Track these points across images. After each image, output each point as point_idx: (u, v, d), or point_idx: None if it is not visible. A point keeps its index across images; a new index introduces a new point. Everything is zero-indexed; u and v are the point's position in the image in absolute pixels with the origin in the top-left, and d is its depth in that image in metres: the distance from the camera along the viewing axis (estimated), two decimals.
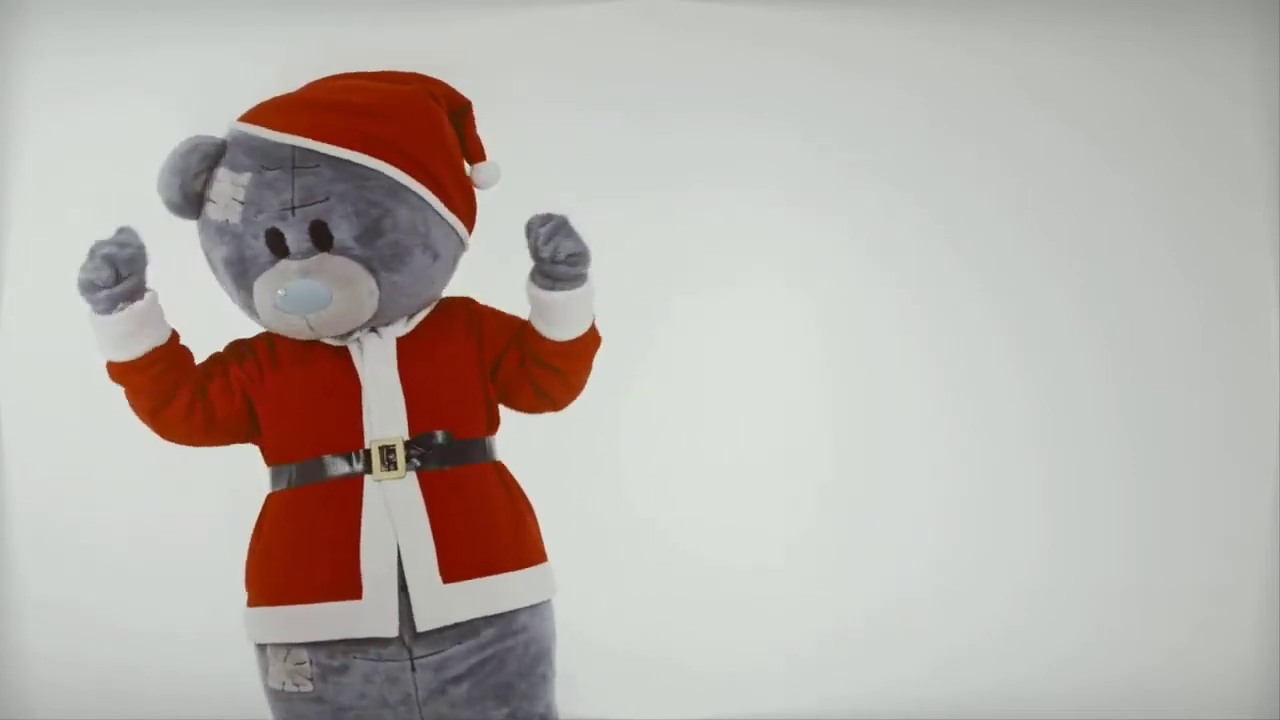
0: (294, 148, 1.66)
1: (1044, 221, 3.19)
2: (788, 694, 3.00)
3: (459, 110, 1.78)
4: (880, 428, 3.17)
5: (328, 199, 1.64)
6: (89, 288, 1.65)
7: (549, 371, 1.75)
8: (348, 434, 1.68)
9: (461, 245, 1.77)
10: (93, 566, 3.00)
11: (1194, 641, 3.05)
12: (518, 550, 1.73)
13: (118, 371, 1.74)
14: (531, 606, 1.73)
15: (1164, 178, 3.18)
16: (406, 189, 1.67)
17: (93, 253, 1.64)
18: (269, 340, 1.76)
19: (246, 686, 2.85)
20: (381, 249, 1.65)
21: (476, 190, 1.80)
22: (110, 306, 1.67)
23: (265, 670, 1.74)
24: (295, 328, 1.68)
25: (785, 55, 3.14)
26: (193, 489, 3.00)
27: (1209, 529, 3.13)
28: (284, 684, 1.72)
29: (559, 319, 1.71)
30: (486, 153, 1.80)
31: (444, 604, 1.66)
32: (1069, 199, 3.19)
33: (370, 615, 1.66)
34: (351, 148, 1.66)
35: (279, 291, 1.64)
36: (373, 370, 1.69)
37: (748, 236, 3.14)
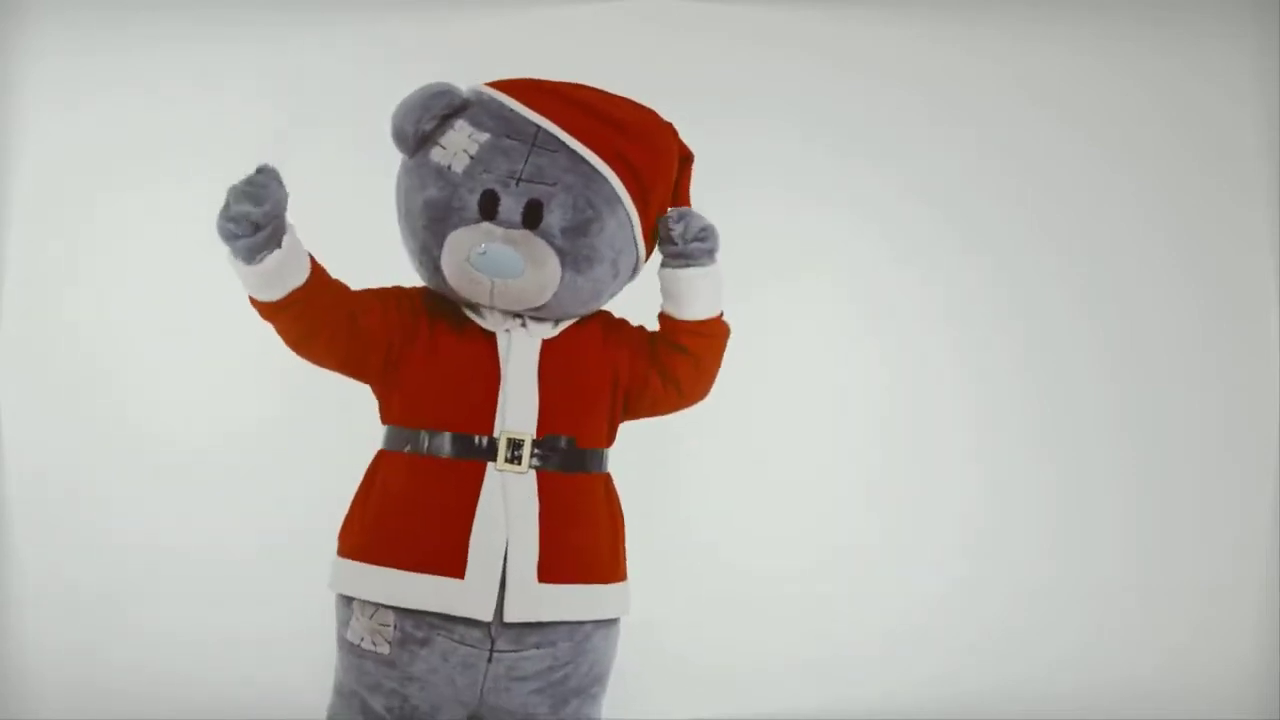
0: (540, 128, 1.72)
1: (1044, 221, 3.19)
2: (786, 694, 3.00)
3: (685, 158, 1.88)
4: (880, 427, 3.17)
5: (554, 184, 1.70)
6: (228, 236, 1.66)
7: (678, 353, 1.83)
8: (480, 419, 1.72)
9: (630, 275, 1.84)
10: (93, 566, 3.00)
11: (1194, 641, 3.05)
12: (609, 565, 1.79)
13: (259, 308, 1.74)
14: (606, 625, 1.79)
15: (1164, 178, 3.18)
16: (622, 205, 1.74)
17: (229, 202, 1.64)
18: (430, 306, 1.79)
19: (249, 684, 2.86)
20: (580, 247, 1.71)
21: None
22: (250, 256, 1.67)
23: (345, 621, 1.77)
24: (474, 287, 1.72)
25: (785, 55, 3.15)
26: (193, 488, 3.01)
27: (1209, 529, 3.13)
28: (362, 639, 1.74)
29: (692, 297, 1.79)
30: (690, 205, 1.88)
31: (534, 601, 1.71)
32: (1069, 199, 3.19)
33: (469, 596, 1.69)
34: (594, 149, 1.73)
35: (479, 248, 1.69)
36: (516, 364, 1.74)
37: (747, 237, 3.13)
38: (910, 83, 3.17)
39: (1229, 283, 3.17)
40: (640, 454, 2.98)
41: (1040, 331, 3.18)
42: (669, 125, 1.86)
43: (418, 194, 1.74)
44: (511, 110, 1.74)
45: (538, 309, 1.74)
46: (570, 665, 1.76)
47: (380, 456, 1.79)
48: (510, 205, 1.69)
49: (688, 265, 1.78)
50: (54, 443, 3.05)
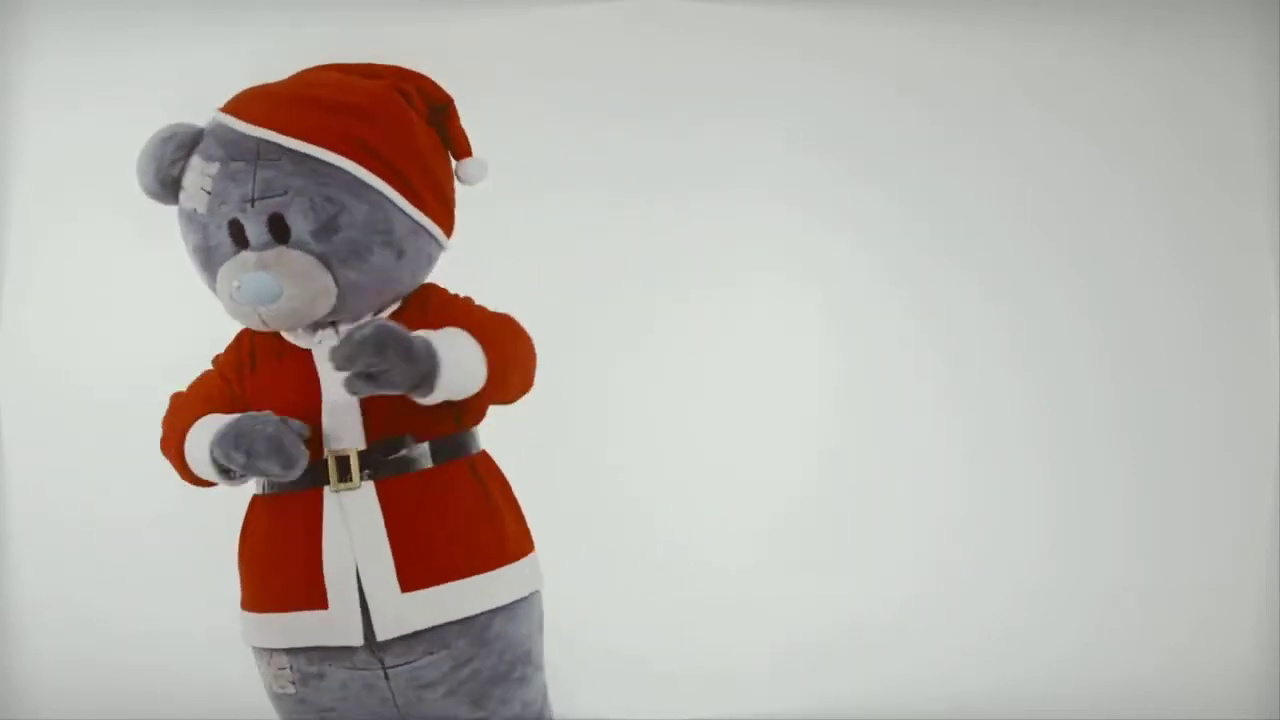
0: (259, 140, 1.66)
1: (1044, 221, 3.19)
2: (786, 694, 3.00)
3: (439, 106, 1.76)
4: (879, 428, 3.17)
5: (286, 193, 1.64)
6: (222, 473, 1.68)
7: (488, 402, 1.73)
8: (310, 443, 1.66)
9: (435, 243, 1.75)
10: (93, 567, 3.00)
11: (1194, 642, 3.05)
12: (487, 551, 1.70)
13: (186, 477, 1.79)
14: (507, 609, 1.70)
15: (1164, 178, 3.18)
16: (367, 185, 1.65)
17: (257, 452, 1.60)
18: (252, 341, 1.77)
19: (247, 688, 2.86)
20: (338, 245, 1.64)
21: (464, 186, 1.78)
22: (230, 481, 1.71)
23: (260, 671, 1.78)
24: (250, 319, 1.69)
25: (785, 55, 3.14)
26: (193, 489, 3.00)
27: (1209, 529, 3.13)
28: (271, 686, 1.75)
29: (461, 393, 1.63)
30: (472, 149, 1.77)
31: (403, 613, 1.65)
32: (1069, 199, 3.19)
33: (337, 625, 1.66)
34: (312, 142, 1.65)
35: (234, 283, 1.65)
36: (330, 376, 1.66)
37: (747, 237, 3.14)
38: (909, 83, 3.17)
39: (1229, 283, 3.17)
40: (619, 456, 3.02)
41: (1039, 331, 3.18)
42: (397, 80, 1.74)
43: (185, 241, 1.72)
44: (232, 130, 1.68)
45: (340, 314, 1.68)
46: (476, 659, 1.70)
47: (249, 501, 1.78)
48: (255, 229, 1.64)
49: (416, 394, 1.59)
50: (53, 443, 3.05)
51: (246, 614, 1.75)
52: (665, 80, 3.12)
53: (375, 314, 1.72)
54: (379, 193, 1.66)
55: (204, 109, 3.04)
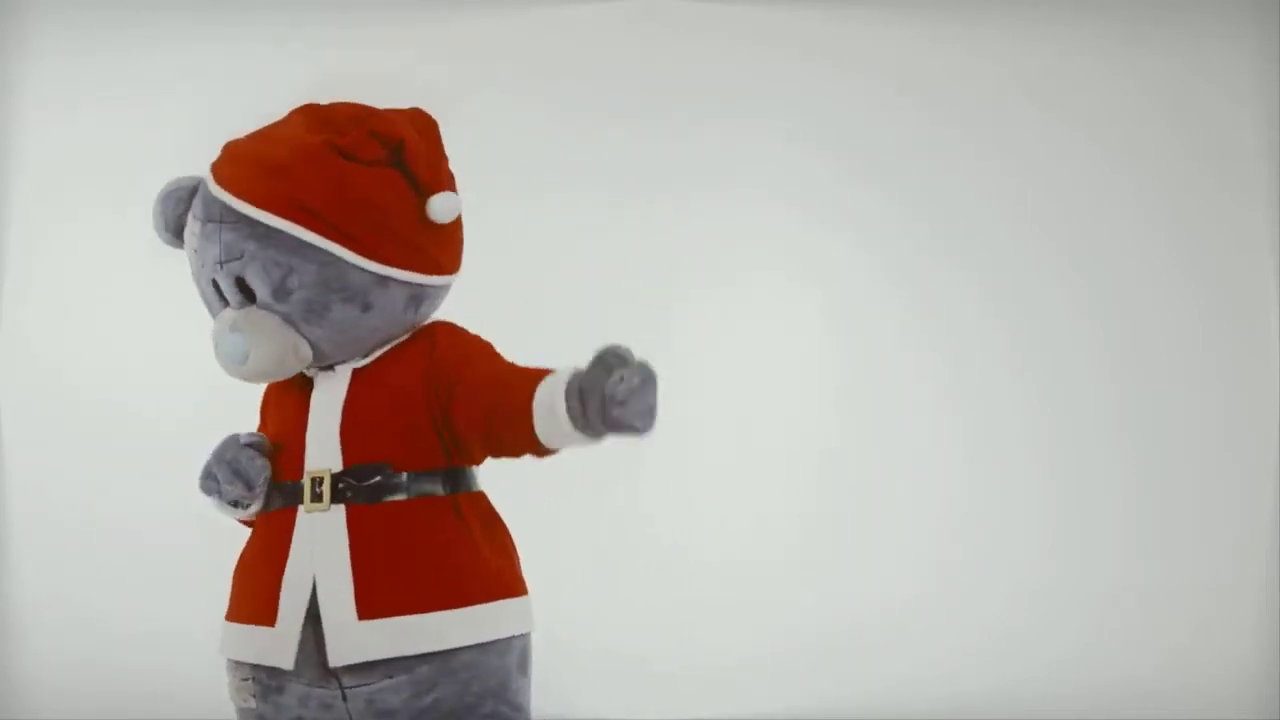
0: (222, 203, 1.67)
1: (1044, 222, 3.19)
2: (786, 694, 3.00)
3: (394, 146, 1.69)
4: (880, 427, 3.17)
5: (243, 256, 1.65)
6: (217, 501, 1.74)
7: (499, 447, 1.67)
8: (292, 464, 1.67)
9: (417, 286, 1.70)
10: (92, 567, 3.00)
11: (1194, 642, 3.05)
12: (457, 588, 1.64)
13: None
14: (481, 644, 1.65)
15: (1164, 178, 3.18)
16: (312, 246, 1.63)
17: (217, 480, 1.71)
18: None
19: None
20: (295, 305, 1.64)
21: (440, 220, 1.71)
22: (235, 513, 1.74)
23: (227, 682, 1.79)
24: (233, 374, 1.72)
25: (785, 55, 3.14)
26: (193, 489, 3.00)
27: (1209, 529, 3.13)
28: (234, 698, 1.75)
29: (563, 442, 1.60)
30: (445, 182, 1.71)
31: (357, 641, 1.62)
32: (1069, 199, 3.19)
33: (277, 644, 1.65)
34: (257, 205, 1.64)
35: (214, 342, 1.69)
36: (318, 402, 1.68)
37: (747, 237, 3.14)
38: (909, 83, 3.17)
39: (1229, 283, 3.17)
40: (620, 458, 3.01)
41: (1040, 331, 3.18)
42: (351, 128, 1.70)
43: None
44: (207, 190, 1.69)
45: (324, 360, 1.68)
46: (439, 688, 1.63)
47: None
48: (228, 288, 1.66)
49: (590, 436, 1.56)
50: (53, 443, 3.05)
51: (223, 624, 1.76)
52: (665, 80, 3.12)
53: (364, 356, 1.70)
54: (325, 251, 1.64)
55: (204, 110, 3.05)
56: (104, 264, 3.07)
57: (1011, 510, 3.15)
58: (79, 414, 3.05)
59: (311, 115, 1.77)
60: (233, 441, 1.70)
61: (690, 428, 3.10)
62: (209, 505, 1.75)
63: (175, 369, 3.04)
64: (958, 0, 3.16)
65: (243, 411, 3.08)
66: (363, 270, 1.65)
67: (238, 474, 1.68)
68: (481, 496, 1.72)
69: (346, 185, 1.66)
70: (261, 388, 1.80)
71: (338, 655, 1.62)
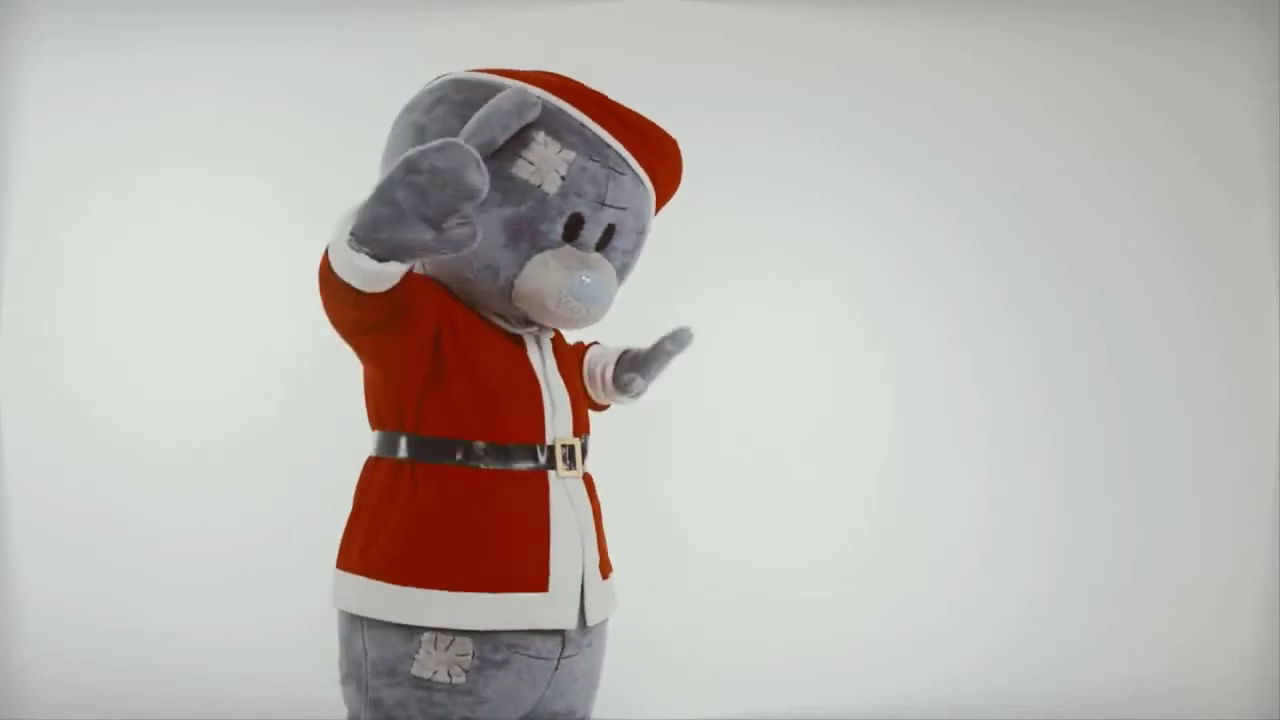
0: (612, 149, 1.70)
1: (1044, 222, 3.19)
2: (794, 696, 3.00)
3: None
4: (885, 432, 3.17)
5: (625, 209, 1.71)
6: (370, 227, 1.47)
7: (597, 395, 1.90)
8: (533, 427, 1.69)
9: None
10: (93, 567, 2.99)
11: (1195, 642, 3.05)
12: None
13: (344, 295, 1.55)
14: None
15: (1165, 179, 3.18)
16: (649, 226, 1.79)
17: (442, 181, 1.42)
18: (454, 306, 1.68)
19: (246, 687, 2.86)
20: (629, 263, 1.76)
21: None
22: (373, 254, 1.49)
23: (407, 655, 1.64)
24: (569, 315, 1.67)
25: (785, 55, 3.15)
26: (193, 490, 3.00)
27: (1210, 530, 3.13)
28: (434, 673, 1.64)
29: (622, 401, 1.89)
30: None
31: (603, 598, 1.73)
32: (1069, 200, 3.19)
33: (556, 607, 1.66)
34: (653, 179, 1.76)
35: (584, 278, 1.65)
36: (548, 370, 1.74)
37: (747, 235, 3.14)
38: (910, 84, 3.17)
39: (1229, 283, 3.17)
40: (643, 458, 3.01)
41: (1042, 333, 3.18)
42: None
43: (499, 207, 1.63)
44: (584, 127, 1.69)
45: None
46: (599, 658, 1.79)
47: (407, 469, 1.65)
48: (592, 230, 1.68)
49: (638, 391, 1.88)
50: (53, 443, 3.05)
51: (431, 592, 1.62)
52: (665, 80, 3.11)
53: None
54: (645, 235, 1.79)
55: (204, 109, 3.05)
56: (104, 264, 3.07)
57: (1014, 512, 3.15)
58: (79, 415, 3.04)
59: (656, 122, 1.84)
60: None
61: (713, 433, 3.11)
62: (345, 247, 1.47)
63: (175, 370, 3.04)
64: (958, 1, 3.16)
65: (244, 412, 3.10)
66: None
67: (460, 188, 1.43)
68: None
69: (677, 185, 1.89)
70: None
71: (597, 612, 1.72)
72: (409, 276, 1.57)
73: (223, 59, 3.05)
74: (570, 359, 1.81)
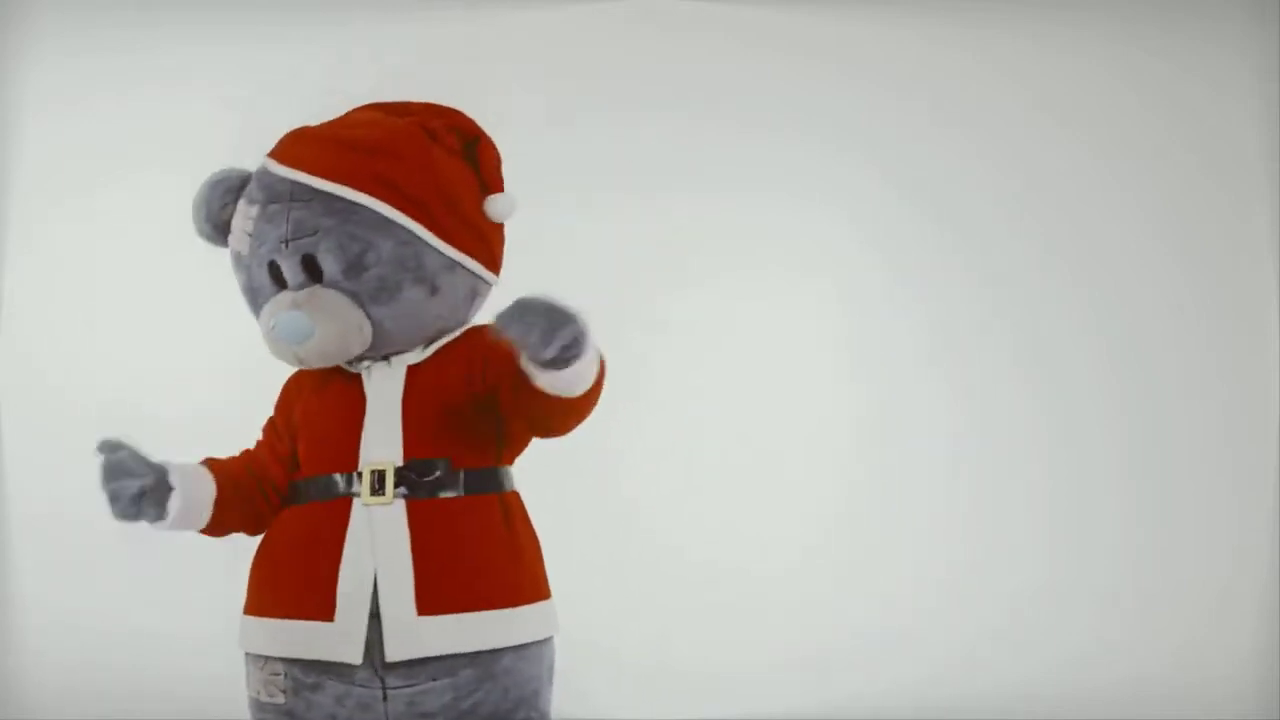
0: (292, 182, 1.68)
1: (1044, 222, 3.19)
2: (789, 696, 3.00)
3: (470, 141, 1.76)
4: (880, 429, 3.17)
5: (316, 233, 1.65)
6: (125, 517, 1.77)
7: (556, 419, 1.67)
8: (345, 456, 1.67)
9: (477, 279, 1.75)
10: (92, 568, 3.00)
11: (1194, 642, 3.05)
12: (507, 587, 1.68)
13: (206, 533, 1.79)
14: (518, 648, 1.68)
15: (1164, 178, 3.18)
16: (394, 223, 1.66)
17: (113, 494, 1.78)
18: (304, 375, 1.78)
19: (244, 690, 2.86)
20: (367, 282, 1.65)
21: (499, 219, 1.77)
22: (156, 520, 1.76)
23: (247, 677, 1.75)
24: (288, 358, 1.71)
25: (785, 55, 3.15)
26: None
27: (1209, 530, 3.13)
28: (259, 693, 1.72)
29: (576, 384, 1.60)
30: (503, 184, 1.77)
31: (416, 637, 1.63)
32: (1069, 200, 3.19)
33: (339, 639, 1.64)
34: (338, 181, 1.66)
35: (271, 322, 1.67)
36: (376, 395, 1.69)
37: (747, 237, 3.14)
38: (909, 84, 3.17)
39: (1229, 283, 3.17)
40: (624, 457, 3.01)
41: (1040, 332, 3.18)
42: (423, 118, 1.75)
43: (236, 281, 1.75)
44: (269, 173, 1.70)
45: (378, 350, 1.69)
46: (479, 693, 1.67)
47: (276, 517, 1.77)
48: (291, 269, 1.66)
49: (556, 369, 1.55)
50: (53, 444, 3.05)
51: (247, 618, 1.73)
52: (665, 80, 3.12)
53: (423, 348, 1.72)
54: (406, 229, 1.67)
55: (204, 109, 3.05)
56: (104, 265, 3.07)
57: (1012, 511, 3.15)
58: (79, 415, 3.04)
59: (386, 107, 1.79)
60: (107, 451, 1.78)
61: (689, 430, 3.11)
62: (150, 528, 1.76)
63: (176, 370, 3.04)
64: (958, 1, 3.16)
65: (243, 411, 3.09)
66: (438, 253, 1.69)
67: (119, 471, 1.77)
68: (518, 497, 1.75)
69: (433, 166, 1.71)
70: (277, 382, 1.81)
71: (396, 650, 1.63)
72: (265, 450, 1.78)
73: (223, 59, 3.05)
74: (447, 380, 1.70)
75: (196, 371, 3.02)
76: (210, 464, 1.79)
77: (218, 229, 1.75)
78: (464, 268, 1.72)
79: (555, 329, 1.48)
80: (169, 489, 1.73)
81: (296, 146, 1.72)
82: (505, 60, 3.06)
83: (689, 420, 3.09)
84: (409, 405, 1.68)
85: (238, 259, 1.72)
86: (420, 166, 1.70)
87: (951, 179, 3.17)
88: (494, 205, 1.75)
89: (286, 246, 1.66)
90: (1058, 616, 3.08)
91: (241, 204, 1.72)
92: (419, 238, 1.67)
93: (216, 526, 1.75)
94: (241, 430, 3.03)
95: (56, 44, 3.07)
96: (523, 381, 1.59)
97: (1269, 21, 3.12)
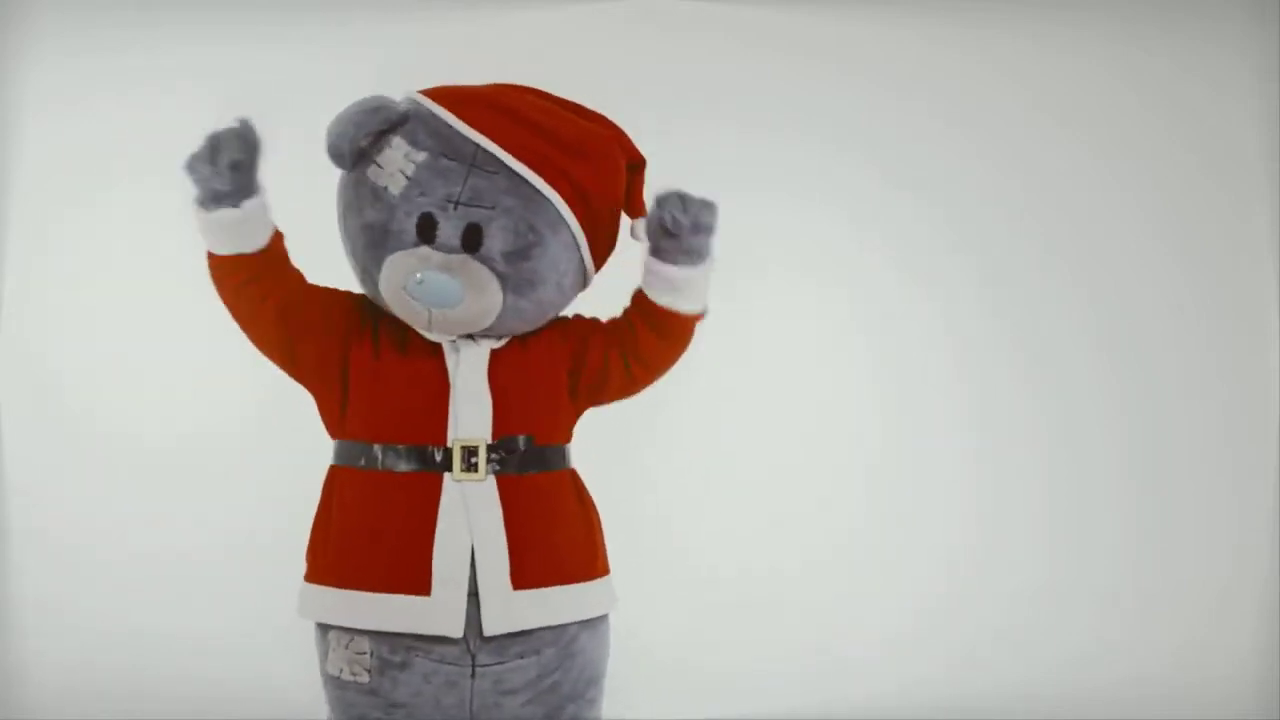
0: (479, 147, 1.67)
1: (1044, 222, 3.19)
2: (790, 696, 2.99)
3: (635, 165, 1.80)
4: (880, 430, 3.17)
5: (493, 208, 1.65)
6: (193, 173, 1.66)
7: (655, 337, 1.78)
8: (433, 429, 1.68)
9: (584, 287, 1.80)
10: (92, 568, 2.99)
11: (1195, 642, 3.05)
12: (587, 561, 1.74)
13: (218, 268, 1.74)
14: (591, 624, 1.74)
15: (1164, 178, 3.18)
16: (567, 226, 1.69)
17: (216, 147, 1.64)
18: (376, 316, 1.74)
19: (245, 688, 2.86)
20: (522, 272, 1.67)
21: (638, 240, 1.79)
22: (209, 201, 1.67)
23: (324, 654, 1.73)
24: (413, 314, 1.68)
25: (785, 55, 3.14)
26: (194, 491, 3.00)
27: (1209, 530, 3.13)
28: (341, 671, 1.70)
29: (692, 294, 1.75)
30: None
31: (512, 610, 1.67)
32: (1069, 200, 3.19)
33: (437, 614, 1.65)
34: (535, 169, 1.67)
35: (416, 276, 1.64)
36: (465, 372, 1.70)
37: (747, 237, 3.13)
38: (909, 84, 3.17)
39: (1229, 283, 3.17)
40: (632, 456, 3.01)
41: (1040, 332, 3.18)
42: (616, 134, 1.80)
43: (355, 215, 1.70)
44: (449, 127, 1.68)
45: (492, 331, 1.71)
46: (559, 671, 1.72)
47: (334, 473, 1.74)
48: (448, 230, 1.64)
49: (691, 263, 1.72)
50: (53, 443, 3.05)
51: (326, 589, 1.70)
52: (665, 80, 3.11)
53: (504, 336, 1.73)
54: (573, 235, 1.70)
55: (204, 109, 3.05)
56: (104, 265, 3.07)
57: (1011, 511, 3.15)
58: (79, 416, 3.04)
59: (560, 101, 1.80)
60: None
61: (694, 430, 3.11)
62: (199, 209, 1.69)
63: (176, 371, 3.04)
64: (958, 1, 3.16)
65: (243, 410, 3.10)
66: (581, 262, 1.73)
67: (235, 141, 1.65)
68: (576, 473, 1.79)
69: (618, 182, 1.76)
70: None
71: (494, 624, 1.66)
72: (308, 290, 1.73)
73: (223, 59, 3.04)
74: (534, 361, 1.75)
75: (197, 372, 3.02)
76: (279, 235, 1.76)
77: (353, 154, 1.70)
78: (586, 278, 1.77)
79: (692, 206, 1.66)
80: (257, 188, 1.69)
81: (486, 112, 1.70)
82: (505, 60, 3.05)
83: (688, 420, 3.09)
84: (495, 383, 1.70)
85: (378, 195, 1.67)
86: (609, 180, 1.74)
87: (952, 179, 3.17)
88: (639, 229, 1.77)
89: (455, 208, 1.65)
90: (1058, 616, 3.08)
91: (402, 142, 1.68)
92: (578, 245, 1.71)
93: (256, 259, 1.71)
94: (242, 430, 3.05)
95: (56, 44, 3.06)
96: (636, 323, 1.74)
97: (1269, 21, 3.12)
